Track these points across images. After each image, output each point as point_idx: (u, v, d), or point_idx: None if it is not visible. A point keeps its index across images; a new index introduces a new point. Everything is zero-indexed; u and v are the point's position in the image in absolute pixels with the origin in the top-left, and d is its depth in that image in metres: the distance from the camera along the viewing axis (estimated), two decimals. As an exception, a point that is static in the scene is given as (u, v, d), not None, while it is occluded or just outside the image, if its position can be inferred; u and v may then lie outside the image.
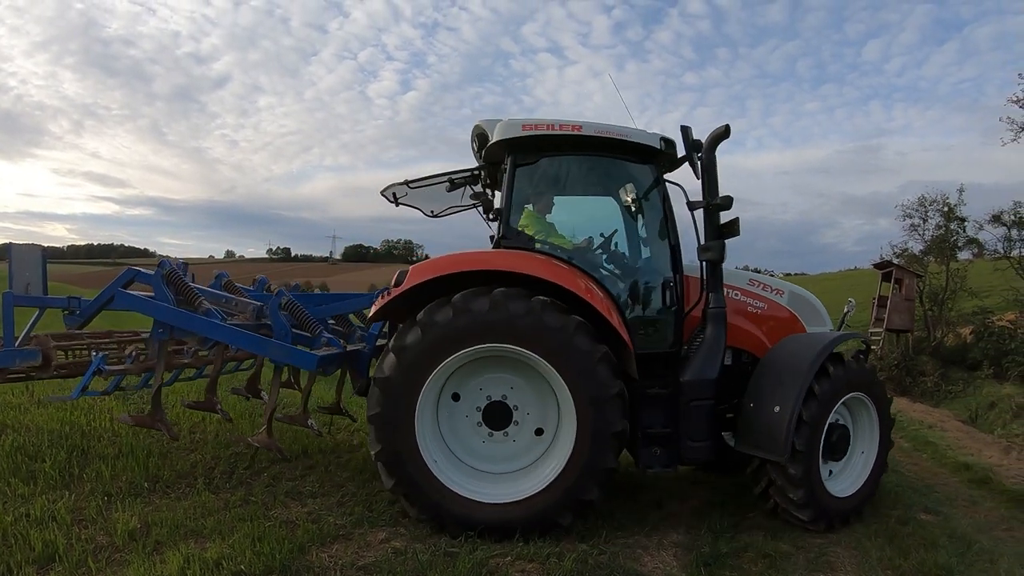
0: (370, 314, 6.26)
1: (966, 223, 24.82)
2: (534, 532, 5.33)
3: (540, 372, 5.52)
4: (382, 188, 7.48)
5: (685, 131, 6.04)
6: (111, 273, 8.10)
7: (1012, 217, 24.42)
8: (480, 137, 6.66)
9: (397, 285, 5.58)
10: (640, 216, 6.49)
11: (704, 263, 6.22)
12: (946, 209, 24.92)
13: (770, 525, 6.06)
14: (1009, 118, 22.54)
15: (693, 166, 6.13)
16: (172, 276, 6.42)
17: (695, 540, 5.64)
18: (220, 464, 6.83)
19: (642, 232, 6.69)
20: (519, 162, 6.13)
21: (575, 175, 6.58)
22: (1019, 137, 22.73)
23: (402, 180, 7.27)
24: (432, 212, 7.67)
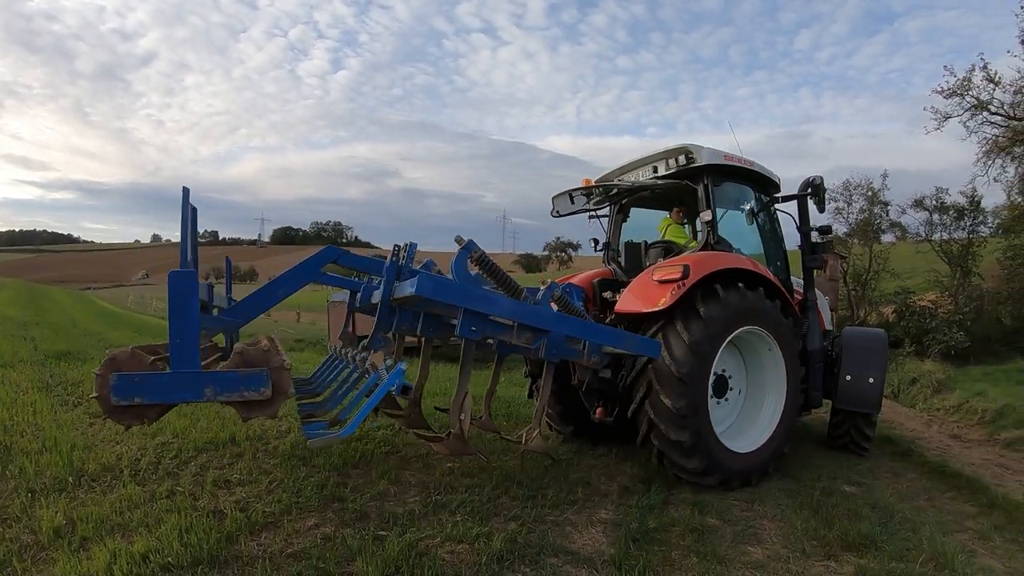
0: (658, 305, 6.50)
1: (889, 207, 25.91)
2: (751, 479, 6.86)
3: (738, 347, 7.23)
4: (557, 193, 8.44)
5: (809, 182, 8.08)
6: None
7: (934, 202, 25.64)
8: (687, 155, 7.30)
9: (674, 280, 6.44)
10: (769, 231, 8.29)
11: (807, 268, 8.52)
12: (870, 194, 26.06)
13: (697, 500, 6.26)
14: (933, 108, 23.61)
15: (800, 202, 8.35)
16: (483, 260, 5.29)
17: (624, 516, 5.75)
18: (146, 455, 6.66)
19: (771, 244, 8.30)
20: (717, 183, 7.44)
21: (738, 197, 8.02)
22: (942, 126, 23.85)
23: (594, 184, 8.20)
24: (558, 213, 8.43)
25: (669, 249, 8.03)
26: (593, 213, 8.72)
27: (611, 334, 5.93)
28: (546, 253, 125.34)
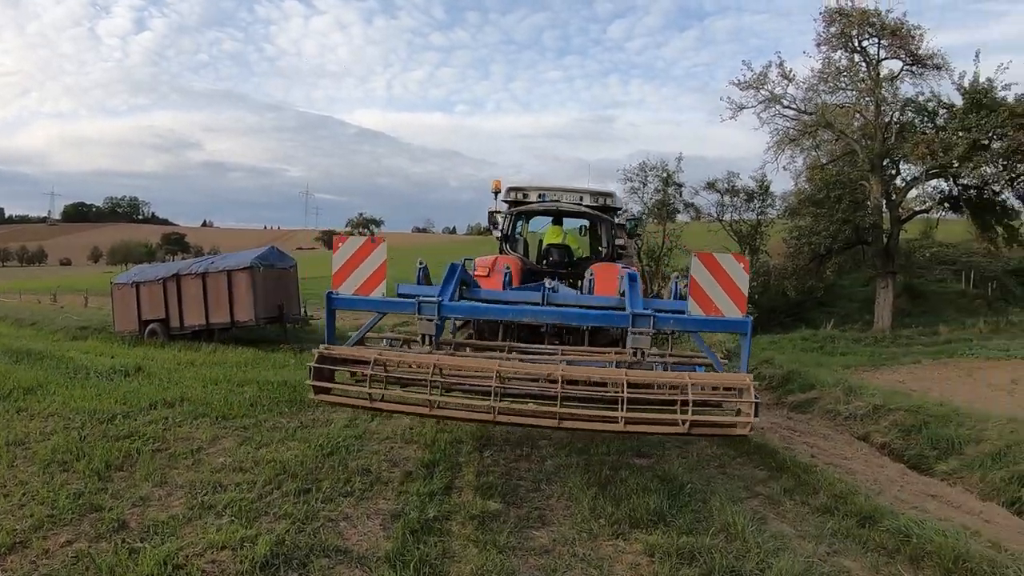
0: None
1: (683, 188, 27.26)
2: None
3: None
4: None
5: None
6: None
7: (725, 185, 27.34)
8: (609, 197, 9.93)
9: None
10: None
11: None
12: (665, 175, 27.18)
13: (481, 483, 5.82)
14: (729, 98, 25.08)
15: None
16: None
17: (404, 506, 5.27)
18: None
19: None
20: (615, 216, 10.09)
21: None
22: (737, 116, 25.39)
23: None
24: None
25: (569, 251, 10.25)
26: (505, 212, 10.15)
27: None
28: (348, 229, 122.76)
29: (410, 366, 5.55)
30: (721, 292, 5.69)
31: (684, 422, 4.98)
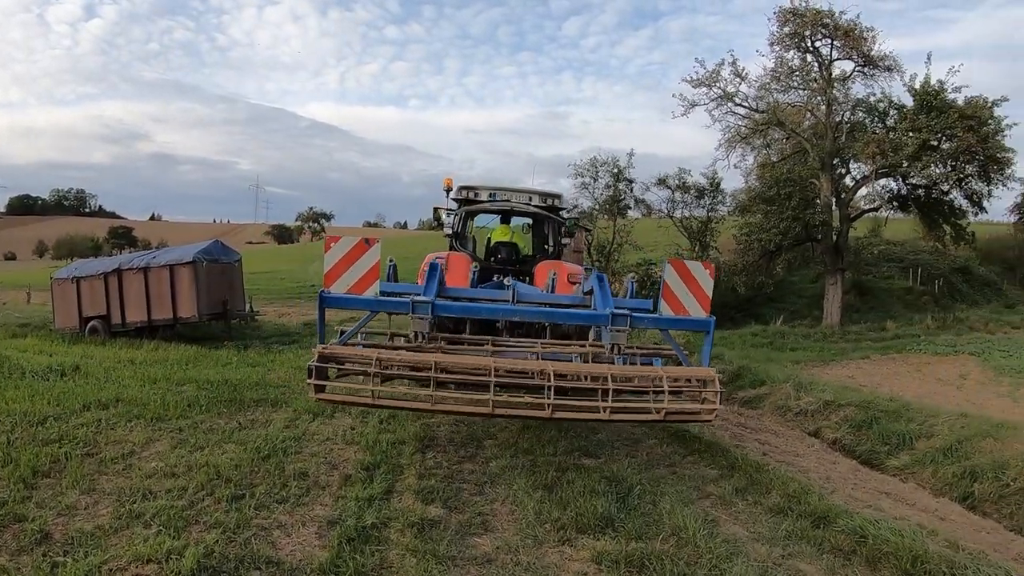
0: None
1: (634, 184, 27.27)
2: None
3: None
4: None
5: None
6: None
7: (676, 181, 27.43)
8: (557, 198, 10.17)
9: None
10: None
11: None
12: (616, 171, 27.14)
13: (423, 486, 5.55)
14: (682, 95, 25.17)
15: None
16: None
17: (341, 512, 4.96)
18: None
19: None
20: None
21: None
22: (689, 113, 25.49)
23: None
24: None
25: (516, 248, 10.74)
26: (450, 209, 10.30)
27: None
28: (299, 223, 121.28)
29: (410, 365, 5.67)
30: (689, 295, 6.34)
31: (660, 411, 5.64)
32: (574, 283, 8.46)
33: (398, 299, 6.38)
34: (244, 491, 5.27)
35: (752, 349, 19.06)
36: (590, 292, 7.15)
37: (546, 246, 10.60)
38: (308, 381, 5.64)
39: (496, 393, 5.54)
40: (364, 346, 6.76)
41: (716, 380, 5.74)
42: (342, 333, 6.87)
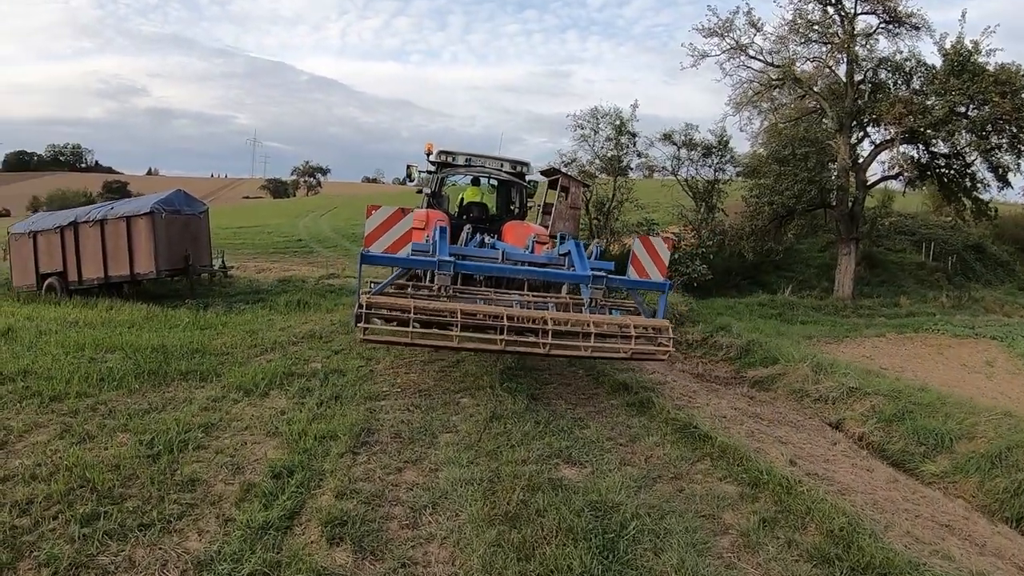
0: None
1: (637, 138, 25.32)
2: None
3: None
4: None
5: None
6: None
7: (682, 137, 25.47)
8: (525, 166, 11.56)
9: None
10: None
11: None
12: (618, 123, 25.08)
13: (338, 512, 4.05)
14: (692, 45, 23.29)
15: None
16: None
17: (220, 549, 3.62)
18: None
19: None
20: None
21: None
22: (699, 64, 23.60)
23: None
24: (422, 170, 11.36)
25: (486, 208, 11.99)
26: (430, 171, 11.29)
27: None
28: (295, 178, 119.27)
29: (440, 312, 6.55)
30: (652, 264, 7.98)
31: (628, 351, 6.86)
32: (542, 243, 9.37)
33: (426, 258, 7.50)
34: (107, 507, 4.04)
35: (760, 320, 17.64)
36: (566, 254, 8.20)
37: (512, 207, 11.86)
38: (357, 325, 6.47)
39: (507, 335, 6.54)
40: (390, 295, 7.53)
41: (669, 329, 7.10)
42: (372, 285, 7.54)
